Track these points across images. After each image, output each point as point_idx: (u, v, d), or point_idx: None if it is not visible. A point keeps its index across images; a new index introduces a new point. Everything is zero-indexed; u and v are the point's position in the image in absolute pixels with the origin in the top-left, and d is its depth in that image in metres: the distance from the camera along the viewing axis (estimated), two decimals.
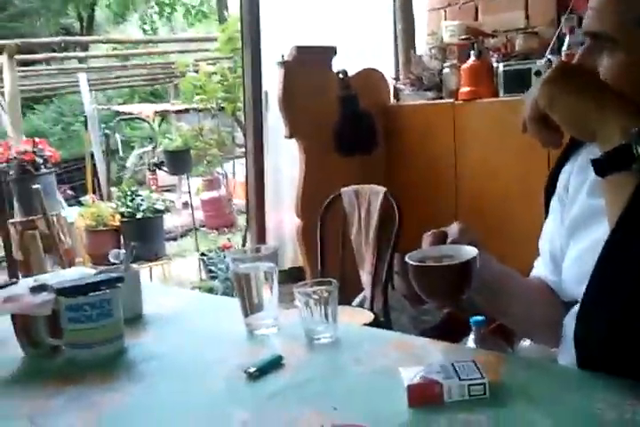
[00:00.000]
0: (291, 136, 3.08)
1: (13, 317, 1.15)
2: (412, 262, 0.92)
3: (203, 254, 4.57)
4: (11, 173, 4.47)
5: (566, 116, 0.86)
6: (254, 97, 3.19)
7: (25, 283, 1.38)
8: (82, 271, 1.54)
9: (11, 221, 3.65)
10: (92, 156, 7.65)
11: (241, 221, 5.90)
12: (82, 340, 1.10)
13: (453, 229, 1.01)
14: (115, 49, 11.82)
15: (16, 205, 4.43)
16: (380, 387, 0.91)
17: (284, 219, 3.21)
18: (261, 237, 3.09)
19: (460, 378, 0.86)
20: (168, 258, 5.04)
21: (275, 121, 3.19)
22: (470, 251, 0.93)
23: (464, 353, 1.03)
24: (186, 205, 7.03)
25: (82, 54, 10.13)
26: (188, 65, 5.49)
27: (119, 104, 11.43)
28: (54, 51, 10.65)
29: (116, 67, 9.83)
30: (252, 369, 0.97)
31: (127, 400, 0.94)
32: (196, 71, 5.59)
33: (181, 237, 6.12)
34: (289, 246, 3.20)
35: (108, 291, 1.11)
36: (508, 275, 1.09)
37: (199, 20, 16.02)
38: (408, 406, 0.84)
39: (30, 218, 3.68)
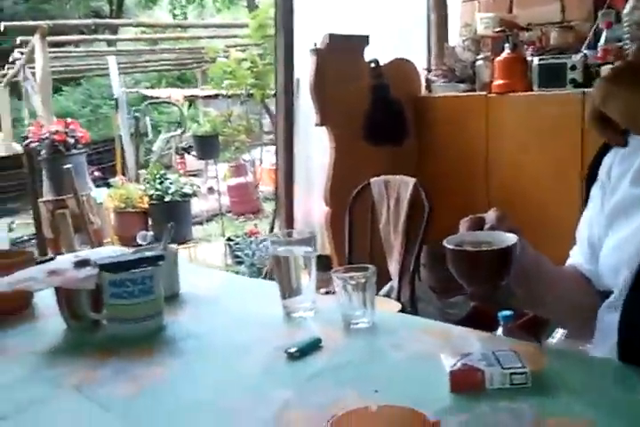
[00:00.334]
0: (321, 124, 3.08)
1: (57, 290, 1.17)
2: (450, 247, 0.92)
3: (229, 239, 4.60)
4: (42, 152, 4.52)
5: (620, 109, 0.85)
6: (286, 84, 3.19)
7: (64, 259, 1.41)
8: (117, 250, 1.56)
9: (41, 199, 3.70)
10: (120, 138, 7.71)
11: (266, 207, 5.92)
12: (123, 315, 1.12)
13: (491, 215, 1.01)
14: (144, 33, 11.87)
15: (47, 184, 4.48)
16: (421, 372, 0.92)
17: (312, 207, 3.21)
18: (290, 224, 3.11)
19: (502, 366, 0.86)
20: (195, 242, 5.07)
21: (305, 108, 3.19)
22: (510, 237, 0.93)
23: (502, 343, 1.03)
24: (211, 190, 7.07)
25: (111, 37, 10.20)
26: (218, 51, 5.49)
27: (146, 88, 11.48)
28: (83, 33, 10.73)
29: (144, 51, 9.87)
30: (293, 350, 0.98)
31: (169, 375, 0.96)
32: (226, 57, 5.59)
33: (207, 221, 6.15)
34: (316, 234, 3.21)
35: (149, 268, 1.13)
36: (544, 263, 1.08)
37: (227, 7, 16.01)
38: (450, 391, 0.85)
39: (61, 197, 3.72)
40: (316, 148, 3.26)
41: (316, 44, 3.05)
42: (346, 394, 0.86)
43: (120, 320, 1.13)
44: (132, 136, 7.74)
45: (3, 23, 6.15)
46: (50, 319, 1.23)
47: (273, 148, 6.87)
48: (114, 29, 13.43)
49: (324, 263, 2.99)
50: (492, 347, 0.95)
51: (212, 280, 1.50)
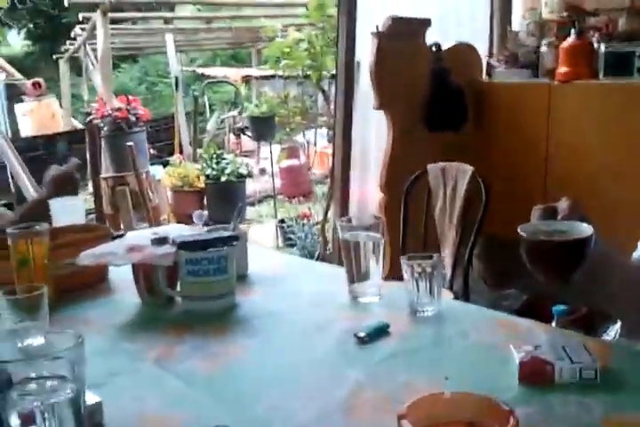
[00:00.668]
0: (380, 107, 3.07)
1: (134, 266, 1.22)
2: (526, 236, 0.92)
3: (281, 221, 4.65)
4: (104, 129, 4.63)
5: None
6: (346, 67, 3.19)
7: (139, 235, 1.47)
8: (186, 227, 1.61)
9: (102, 176, 3.80)
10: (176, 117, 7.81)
11: (318, 190, 5.94)
12: (197, 292, 1.17)
13: (563, 204, 1.00)
14: (199, 11, 11.93)
15: (107, 160, 4.60)
16: (489, 361, 0.94)
17: (367, 192, 3.22)
18: (344, 209, 3.12)
19: (572, 361, 0.87)
20: (248, 222, 5.14)
21: (364, 92, 3.19)
22: (585, 228, 0.93)
23: (570, 337, 1.04)
24: (263, 171, 7.12)
25: (169, 15, 10.26)
26: (276, 31, 5.49)
27: (200, 66, 11.58)
28: (140, 10, 10.85)
29: (200, 29, 9.93)
30: (362, 334, 1.01)
31: (245, 353, 1.00)
32: (284, 37, 5.59)
33: (258, 202, 6.22)
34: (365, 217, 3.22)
35: (225, 248, 1.17)
36: (610, 253, 1.08)
37: None
38: (518, 382, 0.86)
39: (121, 174, 3.82)
40: (373, 132, 3.26)
41: (377, 27, 3.04)
42: (415, 379, 0.88)
43: (194, 297, 1.17)
44: (187, 115, 7.84)
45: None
46: (125, 293, 1.29)
47: (325, 130, 6.90)
48: (171, 7, 13.54)
49: None
50: (560, 341, 0.96)
51: (277, 261, 1.54)
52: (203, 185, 5.24)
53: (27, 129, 8.36)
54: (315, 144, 6.99)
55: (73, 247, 1.26)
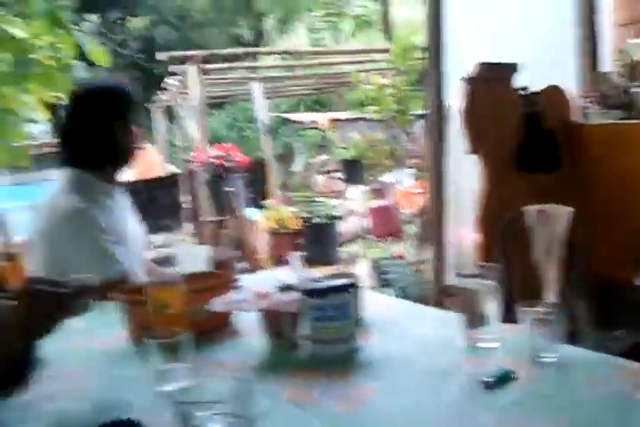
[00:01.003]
0: (471, 151, 3.12)
1: (262, 311, 1.31)
2: None
3: (374, 261, 4.70)
4: (204, 175, 4.88)
5: None
6: (437, 111, 3.26)
7: (261, 279, 1.56)
8: (302, 273, 1.69)
9: (203, 219, 3.98)
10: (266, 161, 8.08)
11: (407, 229, 5.96)
12: (322, 337, 1.24)
13: None
14: (283, 59, 12.42)
15: (207, 205, 4.82)
16: (619, 412, 0.95)
17: (462, 233, 3.25)
18: (440, 250, 3.16)
19: None
20: (343, 263, 5.21)
21: (455, 135, 3.24)
22: None
23: None
24: (351, 211, 7.22)
25: (255, 64, 10.75)
26: (360, 78, 5.68)
27: (285, 111, 11.97)
28: (226, 60, 11.41)
29: (283, 77, 10.32)
30: (488, 379, 1.05)
31: (373, 396, 1.05)
32: (369, 83, 5.75)
33: (348, 243, 6.30)
34: (466, 261, 3.24)
35: (346, 294, 1.24)
36: None
37: (361, 31, 16.36)
38: None
39: (221, 218, 3.99)
40: (466, 173, 3.30)
41: (467, 73, 3.11)
42: None
43: (319, 341, 1.24)
44: (275, 158, 8.09)
45: (167, 53, 6.71)
46: (249, 337, 1.37)
47: (411, 170, 6.96)
48: (254, 55, 14.16)
49: None
50: None
51: (385, 305, 1.60)
52: (297, 227, 5.39)
53: (128, 174, 8.84)
54: (400, 184, 7.06)
55: (203, 293, 1.36)
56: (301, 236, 5.34)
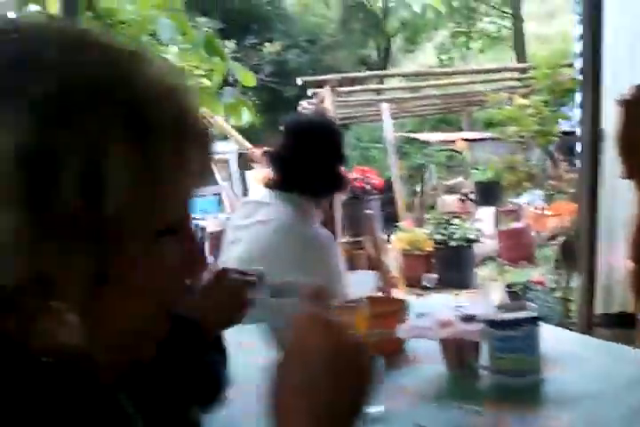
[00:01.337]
0: (627, 176, 2.98)
1: (442, 340, 1.33)
2: None
3: (510, 286, 4.58)
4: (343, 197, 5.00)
5: None
6: (591, 133, 3.16)
7: (439, 305, 1.58)
8: (486, 301, 1.70)
9: (340, 240, 4.07)
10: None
11: (541, 254, 5.77)
12: (506, 368, 1.24)
13: None
14: (409, 80, 12.48)
15: (343, 226, 4.92)
16: None
17: (613, 260, 3.10)
18: (590, 278, 3.03)
19: None
20: (477, 287, 5.12)
21: (610, 160, 3.12)
22: None
23: None
24: (481, 233, 7.08)
25: (385, 86, 10.92)
26: (500, 99, 5.60)
27: (409, 131, 11.99)
28: (354, 82, 11.63)
29: (409, 98, 10.36)
30: None
31: None
32: (504, 103, 5.66)
33: (477, 265, 6.18)
34: (617, 289, 3.09)
35: (533, 327, 1.24)
36: None
37: (490, 48, 16.13)
38: None
39: (358, 239, 4.07)
40: (619, 199, 3.16)
41: (622, 95, 2.99)
42: None
43: (502, 372, 1.25)
44: (402, 179, 8.11)
45: (304, 78, 6.99)
46: (425, 364, 1.40)
47: (543, 192, 6.74)
48: (380, 76, 14.33)
49: (624, 321, 2.88)
50: None
51: (557, 337, 1.57)
52: (431, 249, 5.37)
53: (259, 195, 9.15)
54: (532, 205, 6.85)
55: (380, 318, 1.40)
56: (435, 258, 5.30)
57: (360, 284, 1.69)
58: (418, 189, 8.55)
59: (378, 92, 11.71)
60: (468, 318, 1.31)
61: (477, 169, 5.76)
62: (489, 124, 5.56)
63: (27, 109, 0.48)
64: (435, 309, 1.54)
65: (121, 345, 0.59)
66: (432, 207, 7.37)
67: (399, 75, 11.30)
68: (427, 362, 1.39)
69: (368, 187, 4.97)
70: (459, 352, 1.30)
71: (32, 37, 0.52)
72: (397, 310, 1.47)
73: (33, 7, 3.13)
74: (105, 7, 4.79)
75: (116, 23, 5.23)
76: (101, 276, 0.52)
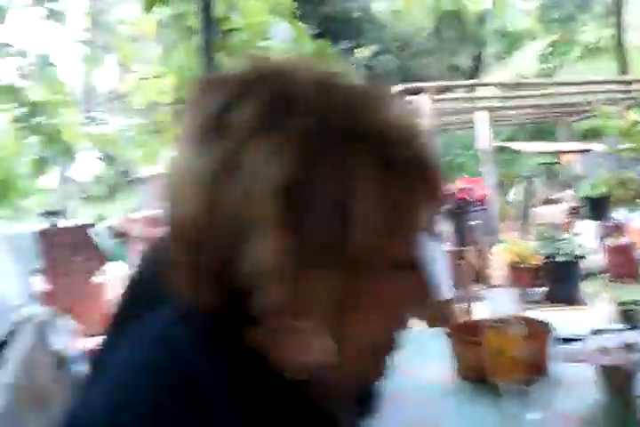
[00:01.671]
0: None
1: (603, 366, 1.30)
2: None
3: (622, 305, 4.38)
4: (448, 207, 4.96)
5: None
6: None
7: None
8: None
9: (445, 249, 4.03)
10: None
11: None
12: None
13: None
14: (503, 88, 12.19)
15: (448, 235, 4.89)
16: None
17: None
18: None
19: None
20: (584, 303, 4.94)
21: None
22: None
23: None
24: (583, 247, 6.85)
25: (480, 95, 10.75)
26: (610, 114, 5.39)
27: (503, 140, 11.72)
28: (447, 89, 11.49)
29: (504, 107, 10.15)
30: None
31: None
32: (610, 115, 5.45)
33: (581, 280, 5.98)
34: None
35: None
36: None
37: (589, 57, 15.60)
38: None
39: (462, 249, 4.02)
40: None
41: None
42: None
43: None
44: (498, 188, 7.93)
45: (403, 84, 6.98)
46: (574, 389, 1.37)
47: None
48: (474, 85, 14.10)
49: None
50: None
51: None
52: (538, 262, 5.25)
53: None
54: (635, 222, 6.57)
55: (527, 338, 1.38)
56: (542, 271, 5.18)
57: (500, 301, 1.66)
58: (511, 198, 8.35)
59: (471, 100, 11.56)
60: (629, 348, 1.28)
61: (588, 183, 5.57)
62: (587, 136, 5.37)
63: (289, 143, 0.52)
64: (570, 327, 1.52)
65: (355, 370, 0.61)
66: (530, 218, 7.17)
67: (494, 84, 11.08)
68: (577, 386, 1.36)
69: (473, 197, 4.90)
70: (617, 380, 1.26)
71: (287, 78, 0.55)
72: (546, 331, 1.45)
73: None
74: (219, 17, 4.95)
75: (228, 31, 5.41)
76: (343, 302, 0.55)
